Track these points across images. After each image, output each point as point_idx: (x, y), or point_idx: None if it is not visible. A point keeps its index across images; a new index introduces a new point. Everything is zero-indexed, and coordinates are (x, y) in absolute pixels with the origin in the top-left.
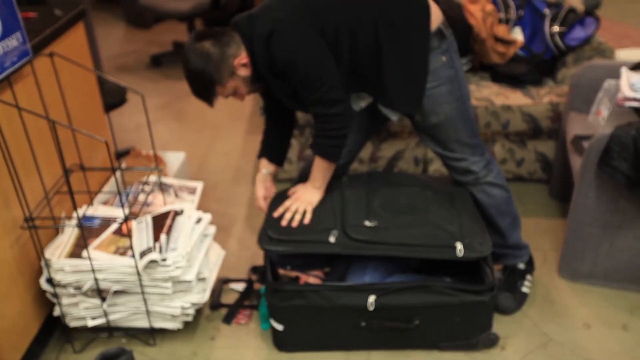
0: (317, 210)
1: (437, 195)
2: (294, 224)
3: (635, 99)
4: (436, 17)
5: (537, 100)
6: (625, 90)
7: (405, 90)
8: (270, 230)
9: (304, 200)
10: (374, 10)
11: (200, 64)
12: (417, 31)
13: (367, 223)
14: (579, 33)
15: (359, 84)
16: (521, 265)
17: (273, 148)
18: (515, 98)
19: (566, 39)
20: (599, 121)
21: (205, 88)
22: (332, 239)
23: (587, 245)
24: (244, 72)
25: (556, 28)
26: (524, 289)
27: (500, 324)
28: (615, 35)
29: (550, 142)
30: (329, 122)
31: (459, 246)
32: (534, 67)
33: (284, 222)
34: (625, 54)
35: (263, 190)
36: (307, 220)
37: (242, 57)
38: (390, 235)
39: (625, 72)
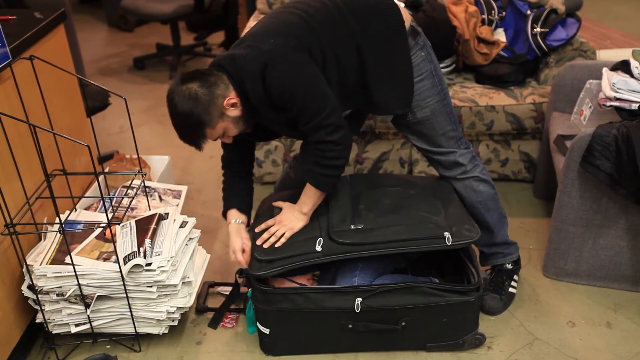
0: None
1: (420, 191)
2: (266, 245)
3: (616, 99)
4: (406, 16)
5: (521, 100)
6: (607, 91)
7: (396, 93)
8: (257, 252)
9: (287, 226)
10: (351, 27)
11: (189, 106)
12: (396, 35)
13: (353, 227)
14: (560, 34)
15: (351, 102)
16: (509, 265)
17: (241, 199)
18: (499, 98)
19: (548, 40)
20: (581, 121)
21: (194, 131)
22: (318, 248)
23: (571, 244)
24: (234, 112)
25: (538, 29)
26: (511, 290)
27: (486, 324)
28: (596, 36)
29: (534, 142)
30: (328, 150)
31: (447, 235)
32: (517, 67)
33: (258, 242)
34: (607, 55)
35: (240, 241)
36: (278, 244)
37: (232, 97)
38: (377, 235)
39: (606, 73)
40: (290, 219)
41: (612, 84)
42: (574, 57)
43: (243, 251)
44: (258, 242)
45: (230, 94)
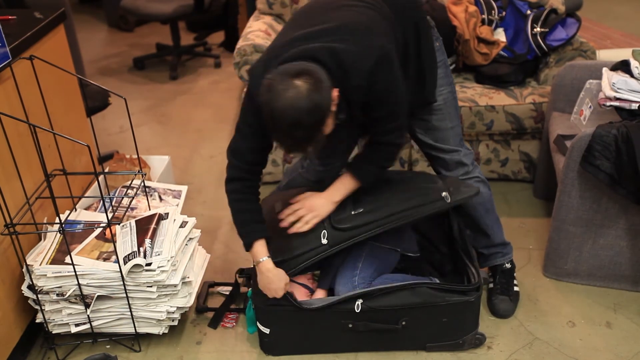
0: None
1: (416, 175)
2: (292, 230)
3: (616, 99)
4: None
5: (520, 100)
6: (607, 91)
7: (431, 79)
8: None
9: (315, 211)
10: (401, 21)
11: (312, 100)
12: (425, 22)
13: (354, 212)
14: (560, 34)
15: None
16: (508, 265)
17: (263, 227)
18: (499, 98)
19: (548, 40)
20: (581, 121)
21: (313, 129)
22: (324, 240)
23: (571, 244)
24: (334, 107)
25: (538, 29)
26: (515, 288)
27: (486, 324)
28: (596, 36)
29: (534, 141)
30: (391, 152)
31: (445, 194)
32: (517, 67)
33: (285, 224)
34: (606, 54)
35: (284, 278)
36: (305, 228)
37: (335, 91)
38: (378, 213)
39: (606, 73)
40: (320, 205)
41: (612, 84)
42: (574, 57)
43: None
44: (284, 224)
45: (332, 88)
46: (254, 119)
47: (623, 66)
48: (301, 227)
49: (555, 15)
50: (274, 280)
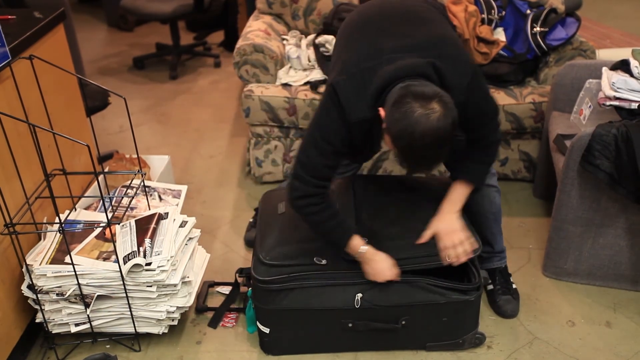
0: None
1: (425, 198)
2: (462, 259)
3: (616, 99)
4: None
5: (520, 100)
6: (606, 90)
7: None
8: (262, 254)
9: (462, 235)
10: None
11: (451, 122)
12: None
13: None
14: (560, 33)
15: None
16: (503, 265)
17: (349, 222)
18: (499, 98)
19: (548, 39)
20: (580, 120)
21: (447, 145)
22: (324, 261)
23: (571, 244)
24: None
25: (538, 28)
26: (514, 286)
27: (486, 323)
28: (596, 35)
29: (533, 141)
30: (495, 149)
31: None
32: (517, 67)
33: (452, 260)
34: (606, 54)
35: (388, 258)
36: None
37: None
38: (383, 250)
39: (605, 72)
40: (458, 226)
41: (612, 84)
42: (574, 57)
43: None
44: (451, 261)
45: None
46: (338, 138)
47: (623, 65)
48: (462, 258)
49: (555, 14)
50: (381, 263)
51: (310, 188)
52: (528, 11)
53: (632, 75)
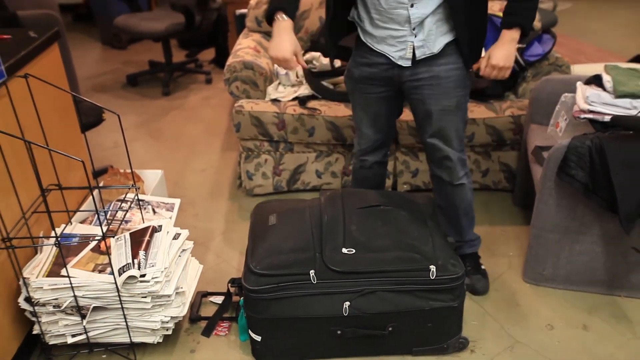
0: (296, 234)
1: (411, 213)
2: (492, 76)
3: (590, 112)
4: None
5: (500, 113)
6: (581, 104)
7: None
8: (253, 264)
9: (507, 62)
10: None
11: None
12: None
13: (345, 250)
14: (537, 49)
15: None
16: (475, 251)
17: (289, 2)
18: (480, 112)
19: (525, 55)
20: (557, 133)
21: None
22: (312, 272)
23: (549, 251)
24: None
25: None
26: (483, 267)
27: (468, 328)
28: (570, 51)
29: (513, 152)
30: None
31: (433, 268)
32: (496, 82)
33: (484, 72)
34: (581, 69)
35: (293, 40)
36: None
37: None
38: (367, 263)
39: (580, 87)
40: (510, 56)
41: (586, 97)
42: (550, 72)
43: (296, 55)
44: (482, 73)
45: None
46: None
47: (596, 80)
48: (493, 75)
49: (532, 31)
50: (283, 43)
51: None
52: None
53: (604, 89)
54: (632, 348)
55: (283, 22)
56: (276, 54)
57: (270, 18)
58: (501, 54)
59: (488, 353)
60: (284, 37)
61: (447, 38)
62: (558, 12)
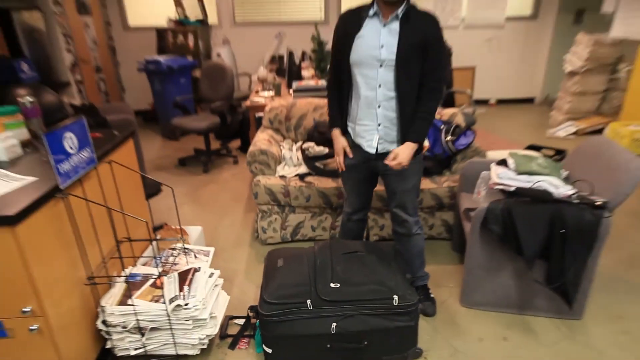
0: (297, 273)
1: (379, 257)
2: (392, 164)
3: (500, 184)
4: None
5: (440, 185)
6: (494, 178)
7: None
8: (266, 295)
9: (404, 157)
10: None
11: None
12: None
13: (333, 285)
14: (463, 141)
15: None
16: (425, 283)
17: (341, 119)
18: (426, 184)
19: (456, 145)
20: (479, 199)
21: None
22: (309, 302)
23: (478, 282)
24: None
25: (449, 137)
26: (432, 295)
27: (422, 340)
28: (486, 142)
29: (450, 212)
30: (435, 105)
31: (396, 297)
32: (437, 163)
33: (391, 163)
34: (493, 154)
35: (344, 140)
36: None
37: None
38: (349, 294)
39: (493, 167)
40: (406, 153)
41: (498, 174)
42: (473, 156)
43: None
44: (390, 163)
45: None
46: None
47: (503, 162)
48: (392, 164)
49: (459, 128)
50: (339, 143)
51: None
52: (442, 126)
53: (509, 168)
54: (539, 353)
55: (337, 131)
56: (338, 148)
57: (330, 129)
58: (404, 155)
59: (436, 359)
60: (340, 139)
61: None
62: (477, 115)
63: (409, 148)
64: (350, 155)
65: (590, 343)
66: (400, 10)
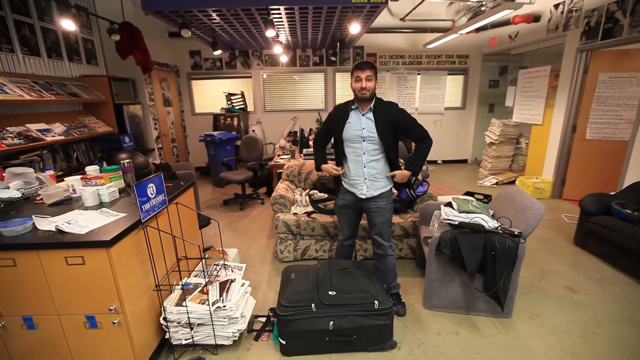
0: (305, 283)
1: (364, 272)
2: (397, 179)
3: (448, 220)
4: None
5: (406, 220)
6: (444, 215)
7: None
8: (282, 299)
9: (402, 177)
10: None
11: None
12: None
13: (330, 293)
14: (421, 189)
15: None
16: (397, 291)
17: (324, 159)
18: (396, 219)
19: (416, 192)
20: (433, 230)
21: None
22: (313, 306)
23: (435, 291)
24: None
25: (412, 188)
26: (403, 300)
27: (396, 335)
28: (437, 190)
29: (413, 239)
30: (428, 147)
31: (376, 302)
32: (403, 204)
33: (396, 179)
34: (442, 199)
35: (331, 168)
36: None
37: None
38: (342, 299)
39: (442, 207)
40: (404, 175)
41: (446, 213)
42: (428, 200)
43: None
44: (395, 179)
45: None
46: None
47: (449, 204)
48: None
49: (418, 181)
50: (328, 169)
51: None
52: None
53: (454, 208)
54: (482, 343)
55: (323, 165)
56: (328, 170)
57: (318, 166)
58: (400, 176)
59: (406, 349)
60: (327, 166)
61: (382, 190)
62: (429, 171)
63: (404, 173)
64: (340, 172)
65: (517, 335)
66: (372, 105)
